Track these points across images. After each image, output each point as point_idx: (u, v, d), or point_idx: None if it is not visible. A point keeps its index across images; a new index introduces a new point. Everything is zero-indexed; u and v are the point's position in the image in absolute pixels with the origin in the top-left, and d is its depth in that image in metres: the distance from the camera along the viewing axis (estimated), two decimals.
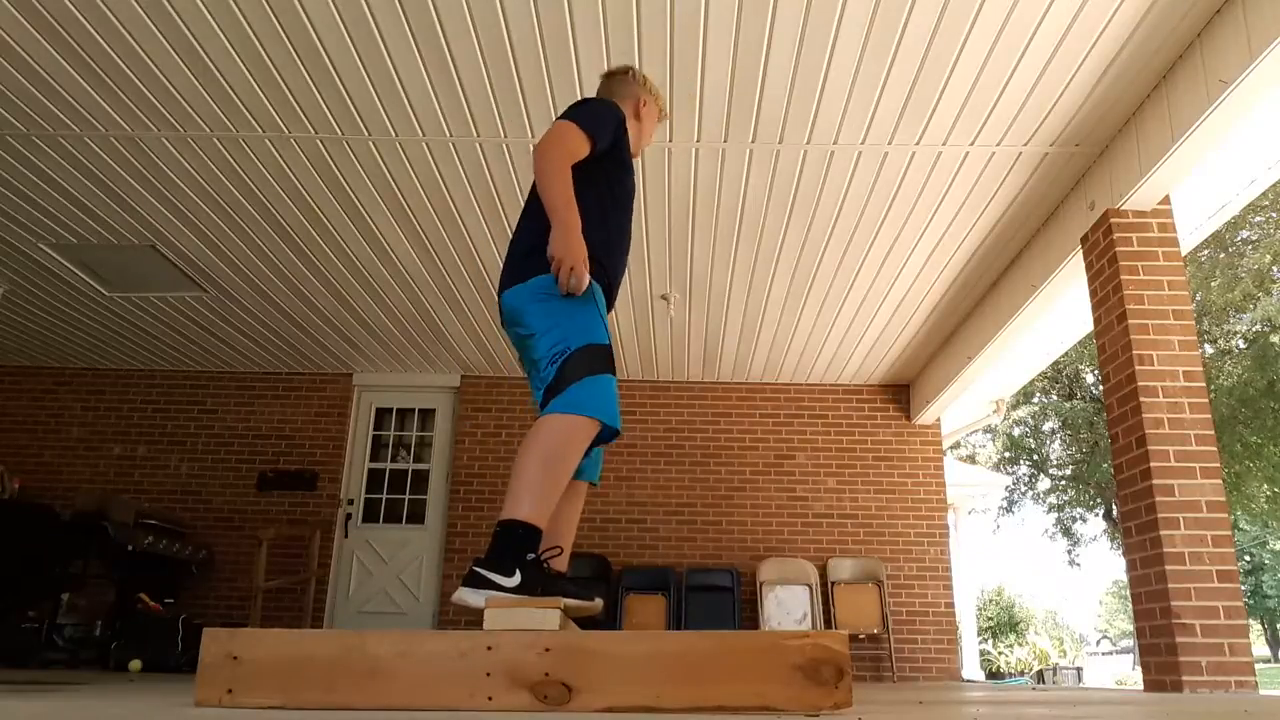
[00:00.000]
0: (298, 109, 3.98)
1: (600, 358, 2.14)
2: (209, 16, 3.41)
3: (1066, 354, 12.19)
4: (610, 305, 2.40)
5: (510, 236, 3.54)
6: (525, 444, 2.05)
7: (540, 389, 2.15)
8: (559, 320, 2.15)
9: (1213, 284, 13.14)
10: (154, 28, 3.48)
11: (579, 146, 2.28)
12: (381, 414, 7.54)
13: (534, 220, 2.31)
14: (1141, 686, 4.01)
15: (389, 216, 4.93)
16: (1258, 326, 13.07)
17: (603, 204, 2.37)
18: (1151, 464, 3.70)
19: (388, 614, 6.92)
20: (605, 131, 2.37)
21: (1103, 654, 36.95)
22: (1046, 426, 19.56)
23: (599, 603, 2.02)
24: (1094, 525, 21.14)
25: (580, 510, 2.43)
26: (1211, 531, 3.61)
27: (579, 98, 3.20)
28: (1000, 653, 20.20)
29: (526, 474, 2.01)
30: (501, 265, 2.42)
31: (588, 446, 2.14)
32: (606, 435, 2.18)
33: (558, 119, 2.32)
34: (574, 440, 2.07)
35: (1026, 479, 20.84)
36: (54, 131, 4.19)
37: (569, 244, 2.13)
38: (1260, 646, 32.60)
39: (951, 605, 7.02)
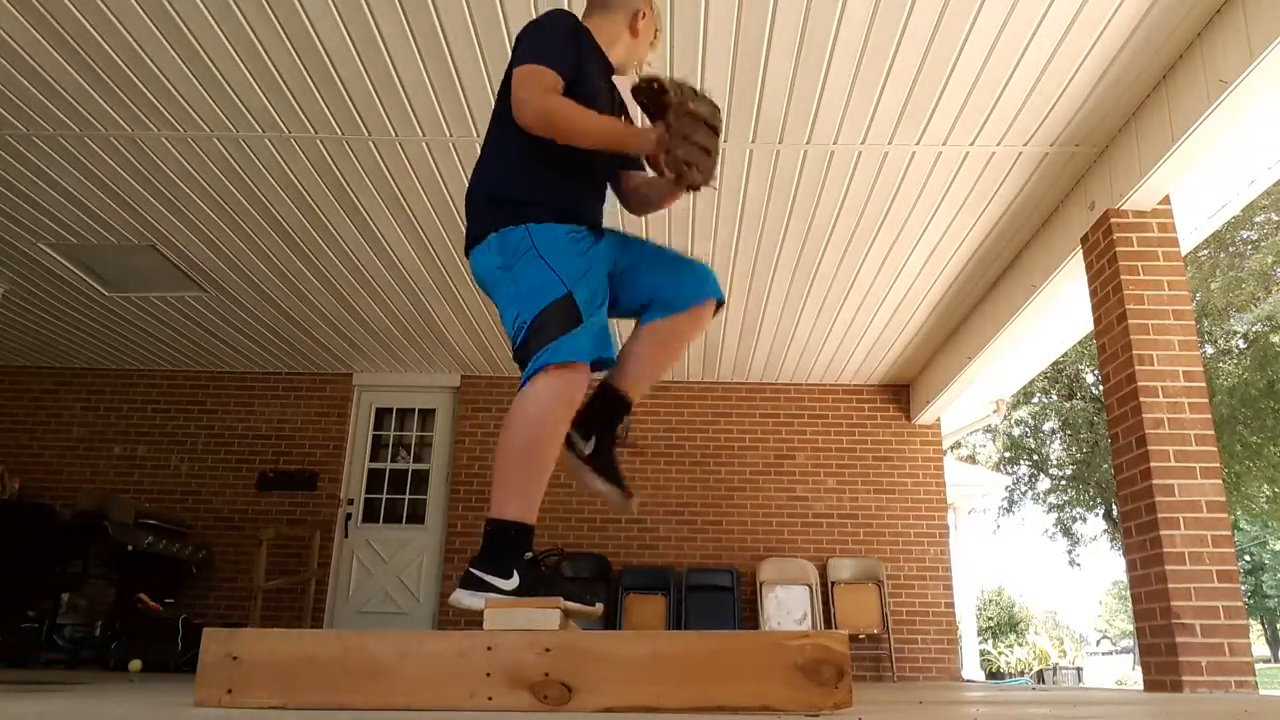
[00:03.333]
0: (298, 109, 3.98)
1: (554, 317, 1.90)
2: (209, 16, 3.41)
3: (1066, 354, 12.17)
4: (596, 225, 2.10)
5: None
6: (503, 432, 1.93)
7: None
8: (513, 292, 1.97)
9: (1213, 284, 13.13)
10: (154, 28, 3.48)
11: (554, 83, 1.96)
12: (381, 414, 7.54)
13: (489, 155, 2.09)
14: (1141, 686, 4.01)
15: (389, 216, 4.93)
16: (1258, 326, 13.07)
17: (542, 140, 1.99)
18: (1151, 464, 3.70)
19: (388, 614, 6.91)
20: (563, 54, 2.03)
21: (1103, 654, 36.98)
22: (1046, 426, 19.56)
23: (599, 607, 1.96)
24: (1094, 525, 21.16)
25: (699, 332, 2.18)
26: (1211, 531, 3.61)
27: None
28: (1000, 653, 20.23)
29: (507, 469, 1.90)
30: None
31: (580, 394, 1.94)
32: (602, 364, 1.99)
33: (513, 66, 2.01)
34: (550, 417, 1.91)
35: (1026, 479, 20.85)
36: (54, 131, 4.19)
37: (644, 143, 1.89)
38: (1260, 646, 32.62)
39: (951, 605, 7.02)
